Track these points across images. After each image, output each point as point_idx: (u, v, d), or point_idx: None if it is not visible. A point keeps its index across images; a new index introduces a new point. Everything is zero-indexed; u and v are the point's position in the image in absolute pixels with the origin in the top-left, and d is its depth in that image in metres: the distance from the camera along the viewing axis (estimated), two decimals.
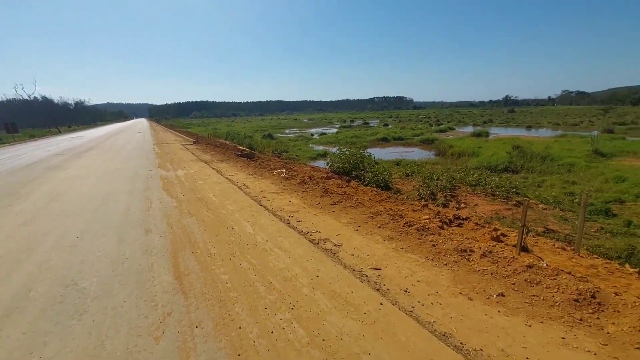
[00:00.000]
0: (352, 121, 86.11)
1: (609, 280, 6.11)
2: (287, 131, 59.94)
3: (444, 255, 5.94)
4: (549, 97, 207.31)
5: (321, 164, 21.15)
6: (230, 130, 48.11)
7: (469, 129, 52.40)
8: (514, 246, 7.32)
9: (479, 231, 8.78)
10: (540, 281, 4.80)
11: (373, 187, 14.67)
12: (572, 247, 8.86)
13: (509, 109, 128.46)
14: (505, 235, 8.31)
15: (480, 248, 5.94)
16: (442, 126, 56.91)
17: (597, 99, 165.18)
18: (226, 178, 13.50)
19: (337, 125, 70.41)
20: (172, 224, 7.93)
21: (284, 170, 13.41)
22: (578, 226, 7.68)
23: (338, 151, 18.50)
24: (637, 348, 3.58)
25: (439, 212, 10.61)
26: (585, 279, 4.74)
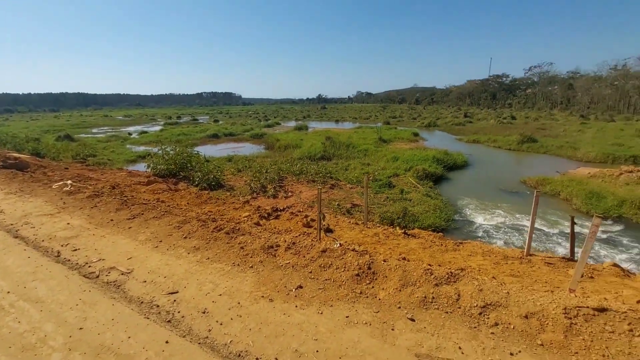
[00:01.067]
0: (179, 117, 78.46)
1: (386, 243, 7.12)
2: (94, 130, 49.21)
3: (251, 257, 5.53)
4: (349, 96, 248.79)
5: (143, 167, 17.85)
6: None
7: (293, 124, 56.26)
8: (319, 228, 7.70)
9: (293, 220, 9.00)
10: (331, 264, 4.99)
11: (204, 186, 13.44)
12: (370, 220, 10.11)
13: (322, 105, 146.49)
14: (315, 220, 8.67)
15: (285, 241, 5.82)
16: (270, 121, 58.96)
17: (378, 98, 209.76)
18: None
19: (162, 123, 62.45)
20: None
21: (69, 182, 10.28)
22: (364, 205, 8.73)
23: (161, 151, 16.02)
24: (399, 307, 4.06)
25: (259, 207, 10.38)
26: (364, 253, 5.23)
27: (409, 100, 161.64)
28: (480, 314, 3.80)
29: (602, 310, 3.58)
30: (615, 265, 6.64)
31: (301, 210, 11.12)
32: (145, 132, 43.47)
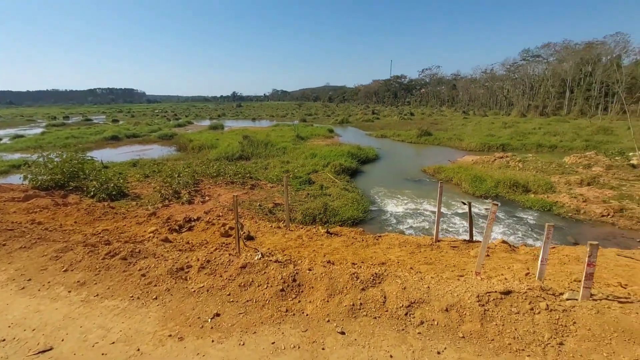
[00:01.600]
0: (66, 118, 66.00)
1: (310, 245, 6.79)
2: None
3: (155, 285, 4.58)
4: (265, 94, 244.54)
5: (18, 179, 14.06)
6: None
7: (207, 123, 52.56)
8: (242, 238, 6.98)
9: (209, 230, 8.09)
10: (252, 281, 4.42)
11: (103, 197, 11.38)
12: (292, 220, 9.60)
13: (237, 103, 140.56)
14: (233, 228, 7.85)
15: (198, 260, 5.00)
16: (180, 120, 54.07)
17: (294, 96, 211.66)
18: None
19: (43, 124, 51.98)
20: None
21: None
22: (285, 208, 8.26)
23: (43, 159, 13.05)
24: (328, 321, 3.75)
25: (168, 218, 9.10)
26: (287, 262, 4.80)
27: (322, 99, 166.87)
28: (406, 314, 3.73)
29: (507, 292, 3.82)
30: (503, 242, 7.53)
31: (221, 215, 10.18)
32: (21, 136, 35.42)
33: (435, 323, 3.58)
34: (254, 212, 10.99)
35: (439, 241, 7.60)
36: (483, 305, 3.69)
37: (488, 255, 6.85)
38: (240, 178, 15.25)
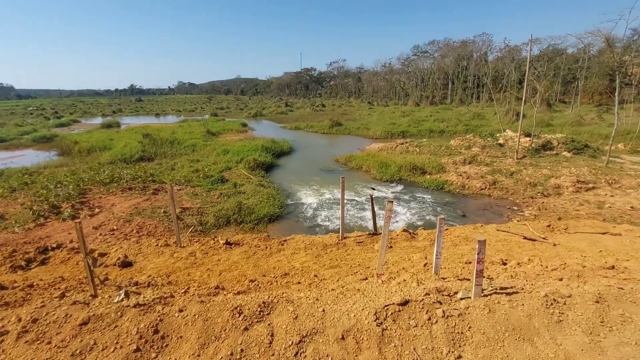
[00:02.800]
0: None
1: (204, 264, 5.61)
2: None
3: None
4: (169, 87, 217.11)
5: None
6: None
7: (99, 120, 44.67)
8: (114, 264, 5.42)
9: (71, 261, 6.09)
10: (95, 343, 3.11)
11: None
12: (193, 230, 8.12)
13: (137, 97, 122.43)
14: (106, 254, 6.13)
15: (20, 320, 3.41)
16: (63, 119, 44.79)
17: (203, 89, 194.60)
18: None
19: None
20: None
21: None
22: (173, 219, 6.84)
23: None
24: None
25: (14, 251, 6.70)
26: (153, 305, 3.57)
27: (234, 91, 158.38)
28: (296, 354, 2.94)
29: (405, 303, 3.37)
30: (404, 230, 7.45)
31: (116, 228, 8.17)
32: None
33: (330, 359, 2.88)
34: (157, 220, 9.24)
35: (344, 238, 7.20)
36: (381, 323, 3.17)
37: (391, 247, 6.68)
38: (141, 182, 12.91)
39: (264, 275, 5.44)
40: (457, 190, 12.63)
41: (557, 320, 3.12)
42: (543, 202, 10.68)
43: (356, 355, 2.91)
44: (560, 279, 4.26)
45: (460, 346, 2.99)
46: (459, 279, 4.33)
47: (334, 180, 14.96)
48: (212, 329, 3.15)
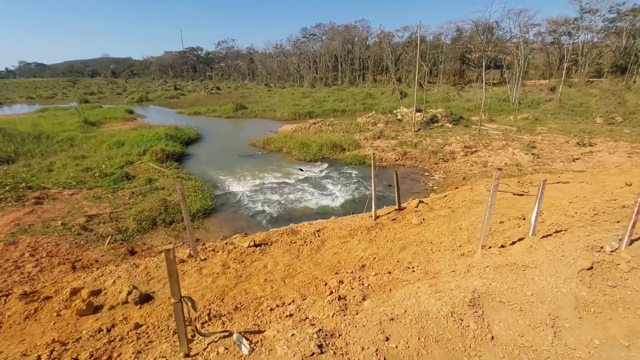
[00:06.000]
0: None
1: (252, 275, 5.43)
2: None
3: None
4: (7, 68, 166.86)
5: None
6: None
7: None
8: (125, 301, 4.44)
9: None
10: None
11: None
12: (125, 233, 7.05)
13: None
14: (100, 291, 4.93)
15: None
16: None
17: (58, 71, 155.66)
18: None
19: None
20: None
21: None
22: (187, 228, 5.84)
23: None
24: None
25: None
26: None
27: (103, 73, 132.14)
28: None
29: (590, 267, 3.69)
30: (420, 201, 8.11)
31: None
32: None
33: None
34: (57, 236, 7.45)
35: (377, 217, 7.48)
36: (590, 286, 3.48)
37: (424, 219, 7.11)
38: (12, 191, 10.07)
39: (336, 273, 4.93)
40: (377, 164, 14.26)
41: None
42: (445, 166, 12.73)
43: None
44: None
45: None
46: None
47: (258, 164, 14.64)
48: None
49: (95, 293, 4.84)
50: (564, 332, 2.96)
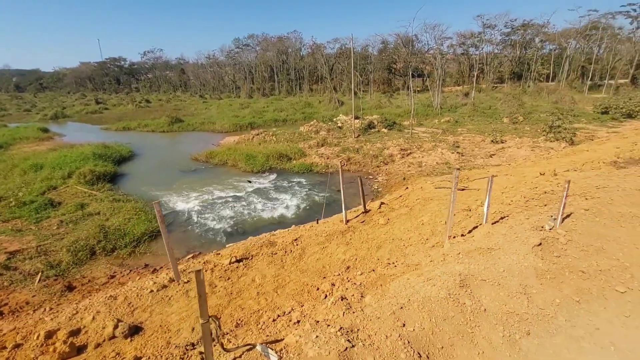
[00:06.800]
0: None
1: (242, 290, 5.34)
2: None
3: None
4: None
5: None
6: None
7: None
8: (112, 336, 4.03)
9: None
10: None
11: None
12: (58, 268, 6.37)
13: None
14: (80, 330, 4.37)
15: None
16: None
17: None
18: None
19: None
20: None
21: None
22: (168, 253, 5.37)
23: None
24: None
25: None
26: None
27: (4, 87, 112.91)
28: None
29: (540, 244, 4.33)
30: (382, 203, 8.45)
31: None
32: None
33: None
34: None
35: (348, 221, 7.70)
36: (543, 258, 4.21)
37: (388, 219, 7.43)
38: None
39: (324, 278, 5.01)
40: (324, 170, 14.67)
41: None
42: (386, 169, 13.73)
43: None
44: None
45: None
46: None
47: (201, 179, 14.12)
48: None
49: (75, 333, 4.42)
50: (533, 296, 3.62)
